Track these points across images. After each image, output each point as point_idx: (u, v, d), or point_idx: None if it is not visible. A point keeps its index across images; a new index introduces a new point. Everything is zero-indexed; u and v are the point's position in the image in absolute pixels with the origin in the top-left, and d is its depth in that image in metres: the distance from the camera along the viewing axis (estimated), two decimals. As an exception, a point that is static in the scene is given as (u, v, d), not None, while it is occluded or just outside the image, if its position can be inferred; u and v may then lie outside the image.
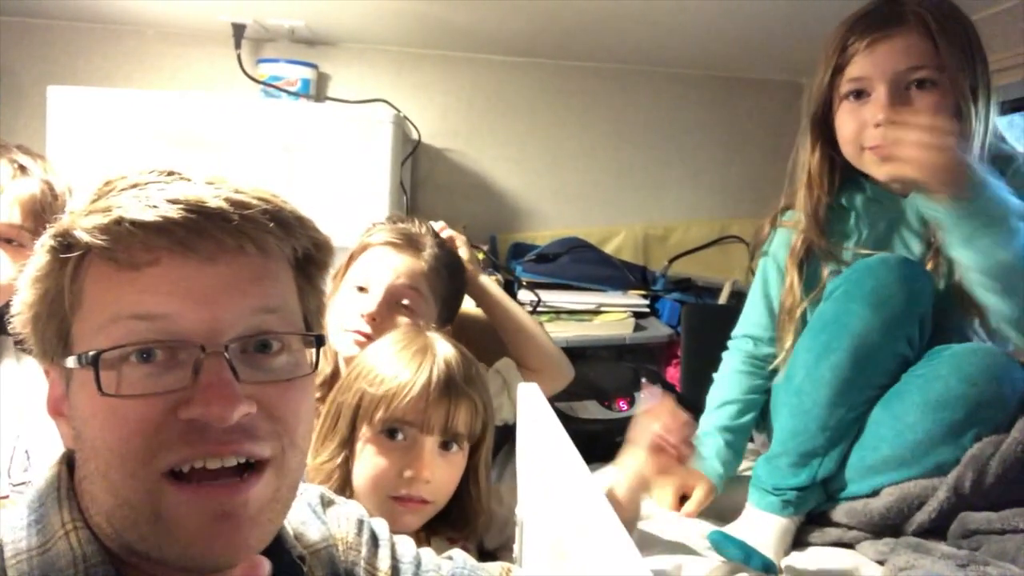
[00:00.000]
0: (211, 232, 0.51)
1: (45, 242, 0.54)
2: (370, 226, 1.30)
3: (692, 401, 1.68)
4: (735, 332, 1.35)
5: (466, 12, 1.77)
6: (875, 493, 1.11)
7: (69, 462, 0.56)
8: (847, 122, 1.12)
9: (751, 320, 1.31)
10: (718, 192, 2.38)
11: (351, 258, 1.25)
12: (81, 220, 0.51)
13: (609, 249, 2.21)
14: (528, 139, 2.25)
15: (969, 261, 1.02)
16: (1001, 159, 1.10)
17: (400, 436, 0.94)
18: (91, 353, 0.50)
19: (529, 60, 2.21)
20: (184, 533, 0.50)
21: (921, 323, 1.08)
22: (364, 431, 0.95)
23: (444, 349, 0.99)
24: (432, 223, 1.34)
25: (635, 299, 1.90)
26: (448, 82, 2.18)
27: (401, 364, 0.96)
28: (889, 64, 1.06)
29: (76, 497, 0.54)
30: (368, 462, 0.94)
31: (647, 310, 1.90)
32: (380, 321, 1.15)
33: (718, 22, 1.78)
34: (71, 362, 0.52)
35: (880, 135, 1.05)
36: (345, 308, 1.20)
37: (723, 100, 2.34)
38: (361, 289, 1.20)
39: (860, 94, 1.10)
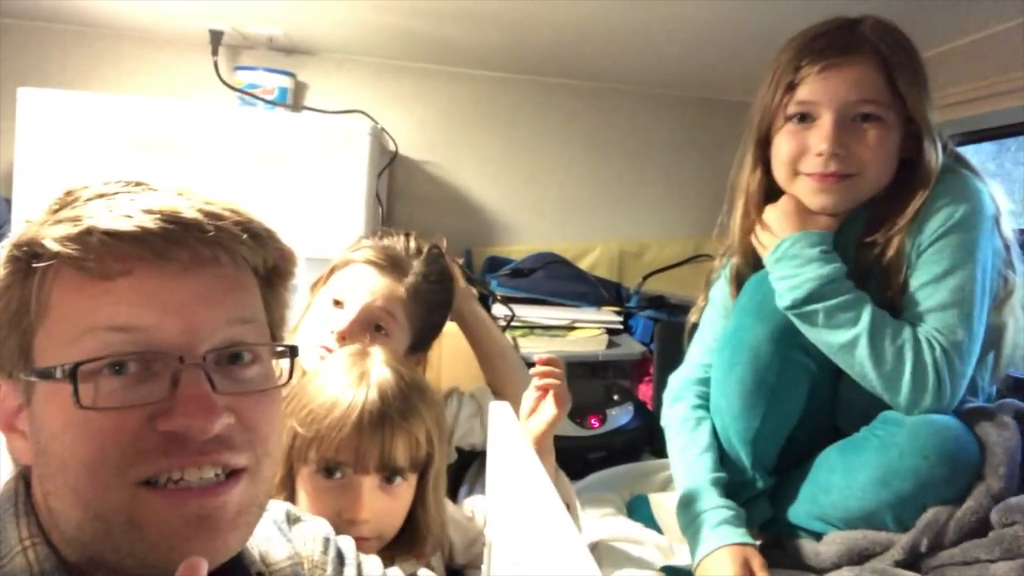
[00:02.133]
0: (187, 242, 0.51)
1: (5, 253, 0.53)
2: (358, 240, 1.27)
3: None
4: (679, 376, 1.31)
5: (446, 27, 1.78)
6: (818, 536, 1.12)
7: (25, 478, 0.55)
8: (787, 143, 1.10)
9: (700, 362, 1.28)
10: (693, 210, 2.40)
11: (332, 270, 1.22)
12: (47, 230, 0.51)
13: (584, 265, 2.21)
14: (506, 154, 2.25)
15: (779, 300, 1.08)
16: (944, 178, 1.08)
17: (337, 474, 0.90)
18: (67, 366, 0.49)
19: (508, 75, 2.22)
20: (163, 538, 0.50)
21: None
22: (301, 471, 0.91)
23: (379, 376, 0.93)
24: (431, 244, 1.29)
25: (609, 315, 1.90)
26: (427, 95, 2.18)
27: (334, 400, 0.91)
28: (840, 93, 1.04)
29: (35, 513, 0.53)
30: (305, 501, 0.91)
31: (620, 327, 1.90)
32: (349, 341, 1.11)
33: (693, 45, 1.80)
34: (34, 375, 0.51)
35: (820, 164, 1.06)
36: (317, 321, 1.17)
37: (700, 120, 2.37)
38: (337, 303, 1.17)
39: (805, 117, 1.08)
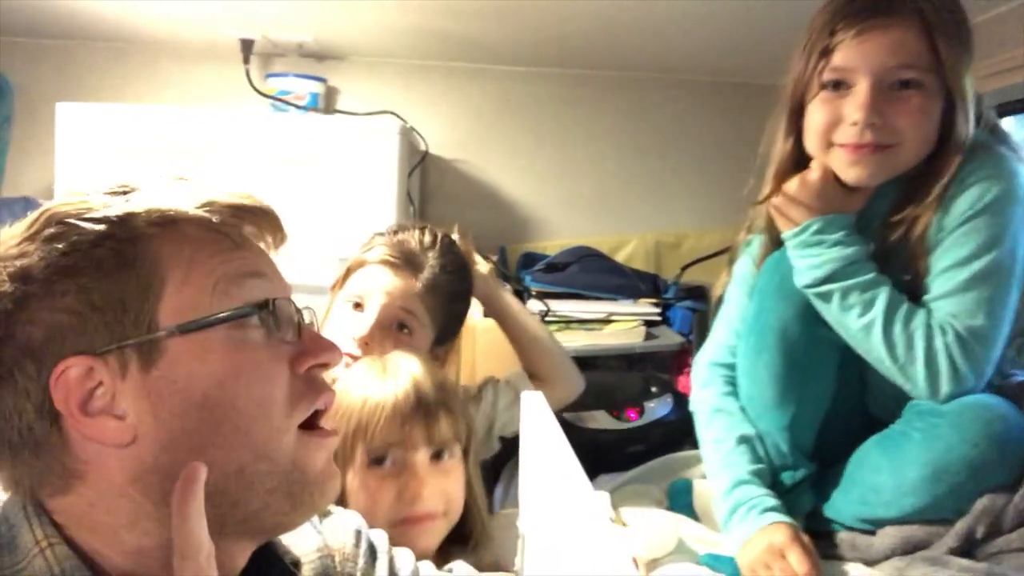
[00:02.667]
0: (270, 220, 0.58)
1: (93, 234, 0.51)
2: (371, 236, 1.27)
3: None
4: (705, 359, 1.26)
5: (471, 24, 1.78)
6: (872, 531, 1.08)
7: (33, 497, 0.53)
8: (820, 112, 1.04)
9: (726, 343, 1.23)
10: (731, 198, 2.33)
11: (348, 272, 1.21)
12: (149, 203, 0.53)
13: (620, 258, 2.19)
14: (536, 148, 2.24)
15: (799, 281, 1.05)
16: (976, 149, 1.02)
17: (388, 462, 0.91)
18: (249, 305, 0.54)
19: (536, 70, 2.21)
20: (312, 479, 0.56)
21: None
22: (350, 475, 0.91)
23: (408, 365, 0.96)
24: (443, 233, 1.28)
25: (646, 307, 1.88)
26: (456, 93, 2.18)
27: (365, 390, 0.93)
28: (877, 59, 0.97)
29: (47, 513, 0.52)
30: (361, 499, 0.90)
31: (658, 318, 1.88)
32: (373, 345, 1.11)
33: (725, 28, 1.76)
34: (188, 329, 0.52)
35: (855, 134, 1.00)
36: (339, 327, 1.16)
37: (733, 106, 2.32)
38: (357, 306, 1.16)
39: (839, 85, 1.01)
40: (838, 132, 1.02)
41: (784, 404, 1.10)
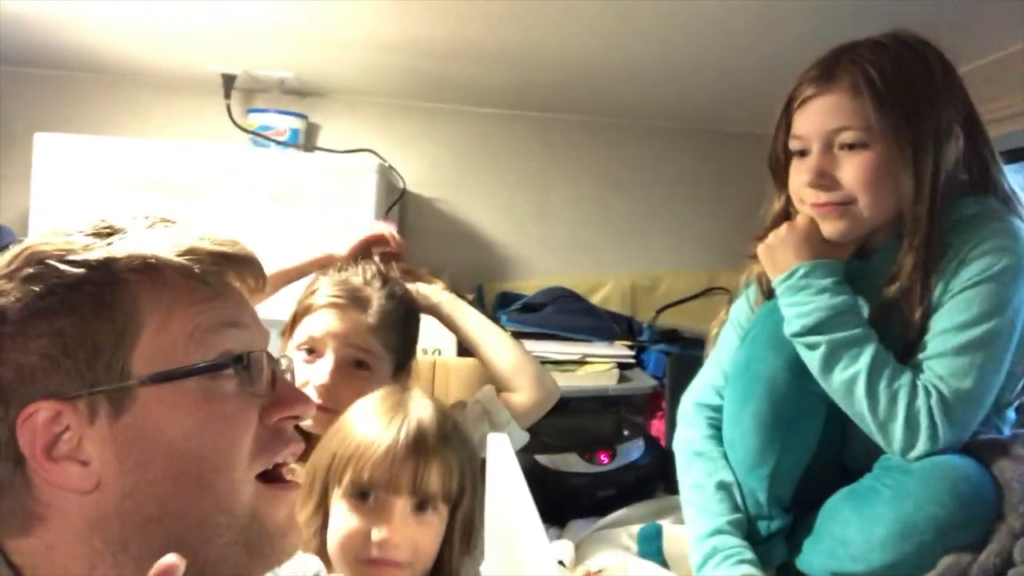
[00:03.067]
0: (252, 267, 0.59)
1: (71, 277, 0.51)
2: (314, 279, 1.23)
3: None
4: (692, 398, 1.26)
5: (452, 66, 1.80)
6: None
7: None
8: (793, 178, 1.09)
9: (713, 385, 1.24)
10: (705, 242, 2.39)
11: (296, 317, 1.19)
12: (132, 249, 0.53)
13: (596, 299, 2.20)
14: (515, 189, 2.26)
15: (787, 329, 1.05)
16: (965, 224, 1.03)
17: (371, 498, 0.90)
18: (228, 356, 0.54)
19: (515, 112, 2.24)
20: (272, 531, 0.56)
21: None
22: (335, 493, 0.92)
23: (420, 407, 0.95)
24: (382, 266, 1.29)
25: (620, 350, 1.89)
26: (436, 133, 2.21)
27: (371, 424, 0.93)
28: (819, 124, 1.03)
29: (4, 553, 0.51)
30: (338, 524, 0.91)
31: (632, 361, 1.89)
32: (333, 391, 1.09)
33: (698, 78, 1.81)
34: (159, 379, 0.52)
35: (812, 194, 1.05)
36: (296, 376, 1.14)
37: (708, 152, 2.37)
38: (310, 352, 1.14)
39: (803, 153, 1.07)
40: (804, 194, 1.07)
41: (766, 454, 1.09)
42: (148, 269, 0.53)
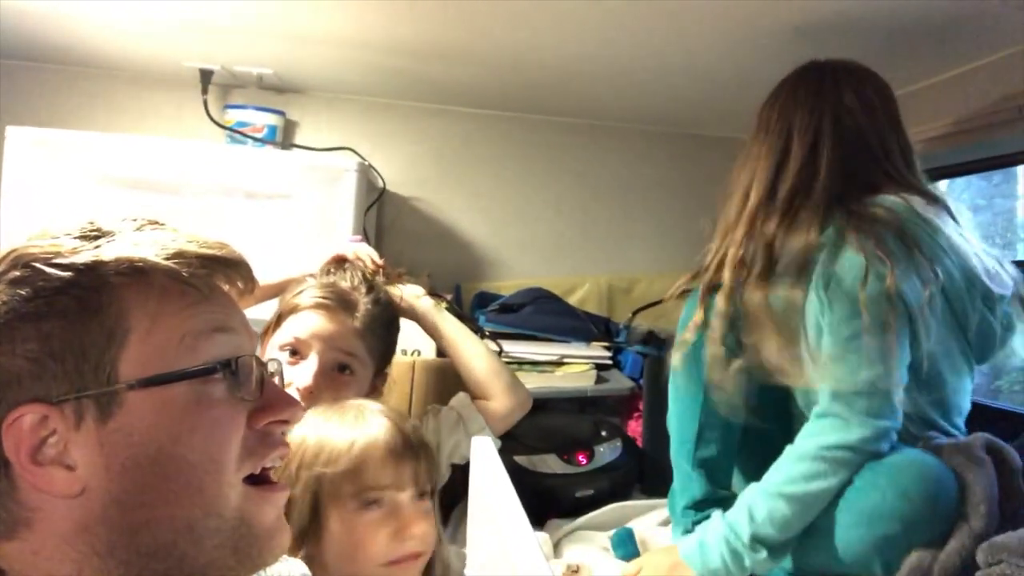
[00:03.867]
0: (241, 270, 0.59)
1: (58, 280, 0.51)
2: (302, 279, 1.23)
3: (654, 455, 1.68)
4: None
5: (434, 66, 1.80)
6: None
7: None
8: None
9: None
10: (682, 246, 2.40)
11: (280, 317, 1.18)
12: (116, 252, 0.53)
13: (573, 300, 2.21)
14: (495, 190, 2.27)
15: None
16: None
17: (382, 504, 0.90)
18: (218, 361, 0.54)
19: (496, 113, 2.24)
20: (260, 534, 0.55)
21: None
22: (333, 514, 0.89)
23: (375, 408, 0.96)
24: (359, 251, 1.30)
25: (598, 351, 1.90)
26: (415, 132, 2.20)
27: (347, 436, 0.91)
28: None
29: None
30: (350, 540, 0.89)
31: (610, 362, 1.90)
32: (316, 393, 1.09)
33: (678, 82, 1.82)
34: (151, 383, 0.51)
35: None
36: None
37: (686, 156, 2.39)
38: (294, 354, 1.13)
39: None
40: None
41: (690, 419, 1.24)
42: (136, 272, 0.52)
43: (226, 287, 0.58)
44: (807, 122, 1.17)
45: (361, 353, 1.16)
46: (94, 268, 0.51)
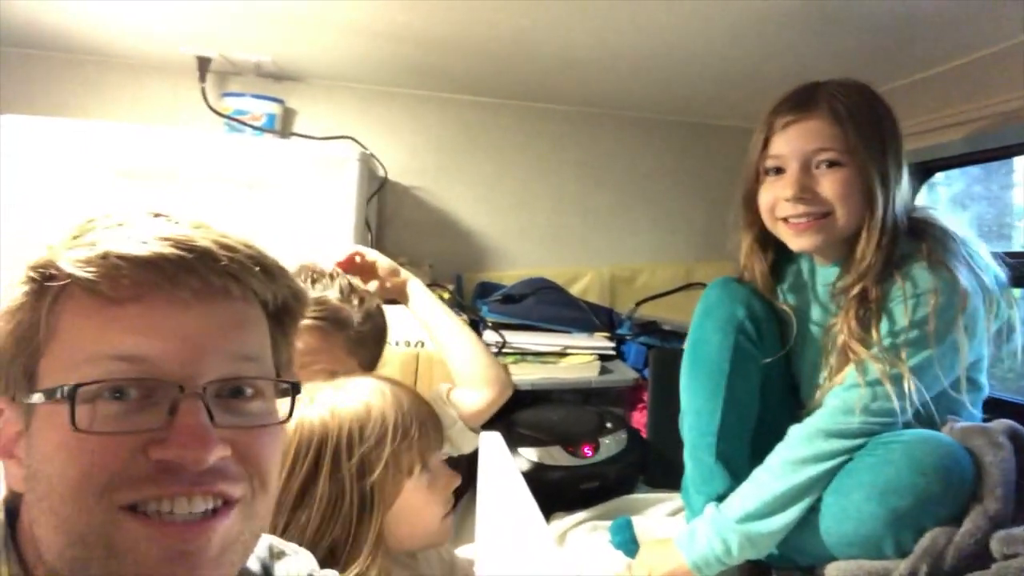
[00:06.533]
0: (199, 270, 0.52)
1: (22, 274, 0.53)
2: None
3: (658, 446, 1.67)
4: None
5: (434, 54, 1.77)
6: (812, 568, 1.12)
7: (9, 510, 0.53)
8: (765, 194, 1.21)
9: None
10: (684, 235, 2.39)
11: None
12: (64, 253, 0.51)
13: (575, 290, 2.20)
14: (496, 179, 2.25)
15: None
16: (906, 252, 1.14)
17: (432, 465, 0.92)
18: (67, 387, 0.49)
19: (498, 101, 2.22)
20: (140, 570, 0.49)
21: (750, 321, 1.22)
22: (404, 490, 0.88)
23: (387, 379, 0.98)
24: (344, 262, 1.27)
25: (601, 342, 1.88)
26: (416, 120, 2.17)
27: (368, 405, 0.89)
28: (800, 145, 1.15)
29: (19, 546, 0.51)
30: (412, 507, 0.88)
31: (613, 353, 1.88)
32: None
33: (681, 71, 1.80)
34: (38, 397, 0.50)
35: (790, 207, 1.16)
36: None
37: (688, 145, 2.37)
38: None
39: (779, 171, 1.19)
40: (778, 208, 1.20)
41: (713, 412, 1.22)
42: (65, 278, 0.51)
43: (177, 291, 0.52)
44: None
45: (352, 368, 1.14)
46: (37, 269, 0.52)
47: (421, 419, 0.91)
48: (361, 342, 1.16)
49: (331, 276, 1.20)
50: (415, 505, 0.89)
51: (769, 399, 1.25)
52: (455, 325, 1.33)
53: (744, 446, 1.23)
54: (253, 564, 0.66)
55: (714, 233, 2.33)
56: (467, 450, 1.28)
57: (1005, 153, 1.69)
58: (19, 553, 0.52)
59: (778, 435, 1.17)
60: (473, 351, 1.31)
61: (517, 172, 2.26)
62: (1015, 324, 1.18)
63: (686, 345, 1.29)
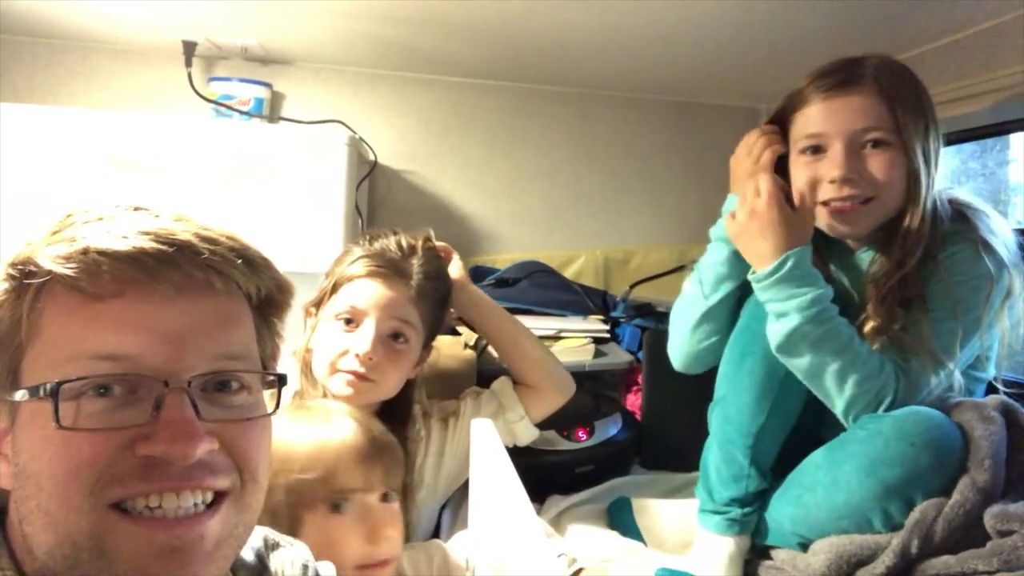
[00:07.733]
0: (180, 264, 0.51)
1: (1, 271, 0.53)
2: (347, 250, 1.23)
3: (653, 428, 1.67)
4: None
5: (422, 35, 1.75)
6: (804, 545, 1.12)
7: (1, 506, 0.54)
8: (801, 174, 1.14)
9: None
10: (677, 216, 2.38)
11: (334, 288, 1.18)
12: (44, 249, 0.51)
13: (569, 273, 2.19)
14: (487, 162, 2.22)
15: (771, 334, 1.10)
16: (949, 233, 1.11)
17: (349, 507, 0.89)
18: (50, 384, 0.49)
19: (487, 82, 2.19)
20: (131, 568, 0.49)
21: None
22: (307, 519, 0.88)
23: (341, 408, 0.97)
24: (423, 238, 1.28)
25: (595, 324, 1.87)
26: (406, 103, 2.15)
27: (314, 440, 0.90)
28: (846, 123, 1.08)
29: (10, 543, 0.51)
30: (325, 544, 0.86)
31: (607, 336, 1.87)
32: (375, 359, 1.12)
33: (672, 50, 1.78)
34: (21, 395, 0.50)
35: (834, 189, 1.09)
36: (333, 344, 1.14)
37: (682, 125, 2.35)
38: (349, 323, 1.15)
39: (817, 150, 1.12)
40: (820, 191, 1.12)
41: (757, 413, 1.16)
42: (45, 275, 0.51)
43: (157, 285, 0.51)
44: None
45: (415, 320, 1.17)
46: (18, 267, 0.52)
47: (346, 458, 0.89)
48: (421, 294, 1.18)
49: (392, 232, 1.25)
50: (330, 538, 0.87)
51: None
52: (516, 326, 1.36)
53: (777, 448, 1.19)
54: (248, 555, 0.66)
55: (709, 214, 2.31)
56: (525, 442, 1.34)
57: (1001, 130, 1.68)
58: (9, 550, 0.52)
59: (805, 429, 1.17)
60: (536, 351, 1.35)
61: (508, 154, 2.24)
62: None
63: (736, 330, 1.21)
